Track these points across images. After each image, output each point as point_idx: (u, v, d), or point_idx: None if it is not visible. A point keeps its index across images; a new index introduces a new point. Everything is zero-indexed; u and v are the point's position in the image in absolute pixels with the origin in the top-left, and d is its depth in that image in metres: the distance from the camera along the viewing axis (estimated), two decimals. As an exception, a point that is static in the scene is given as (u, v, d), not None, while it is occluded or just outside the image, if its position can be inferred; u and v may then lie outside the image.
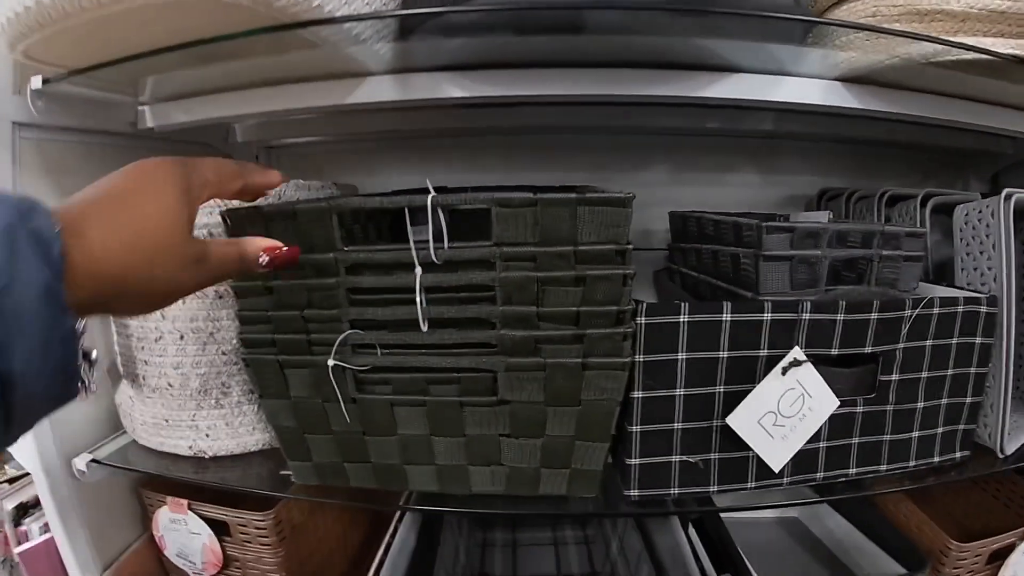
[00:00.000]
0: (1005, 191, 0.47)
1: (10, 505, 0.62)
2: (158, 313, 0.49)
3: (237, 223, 0.39)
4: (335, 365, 0.39)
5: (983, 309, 0.45)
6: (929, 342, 0.44)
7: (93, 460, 0.54)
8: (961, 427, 0.47)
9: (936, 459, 0.47)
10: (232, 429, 0.51)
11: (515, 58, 0.44)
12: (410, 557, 0.55)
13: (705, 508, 0.44)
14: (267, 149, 0.78)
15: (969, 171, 0.81)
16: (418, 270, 0.36)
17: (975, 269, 0.49)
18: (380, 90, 0.43)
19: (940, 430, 0.46)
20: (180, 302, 0.48)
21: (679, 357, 0.40)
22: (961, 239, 0.50)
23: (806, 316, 0.40)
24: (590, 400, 0.39)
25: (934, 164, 0.80)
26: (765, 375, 0.41)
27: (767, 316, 0.40)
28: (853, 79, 0.50)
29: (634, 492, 0.42)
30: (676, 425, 0.41)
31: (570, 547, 0.66)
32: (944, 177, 0.83)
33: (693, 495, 0.42)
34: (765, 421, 0.41)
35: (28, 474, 0.65)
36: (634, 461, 0.41)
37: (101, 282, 0.23)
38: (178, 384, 0.50)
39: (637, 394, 0.40)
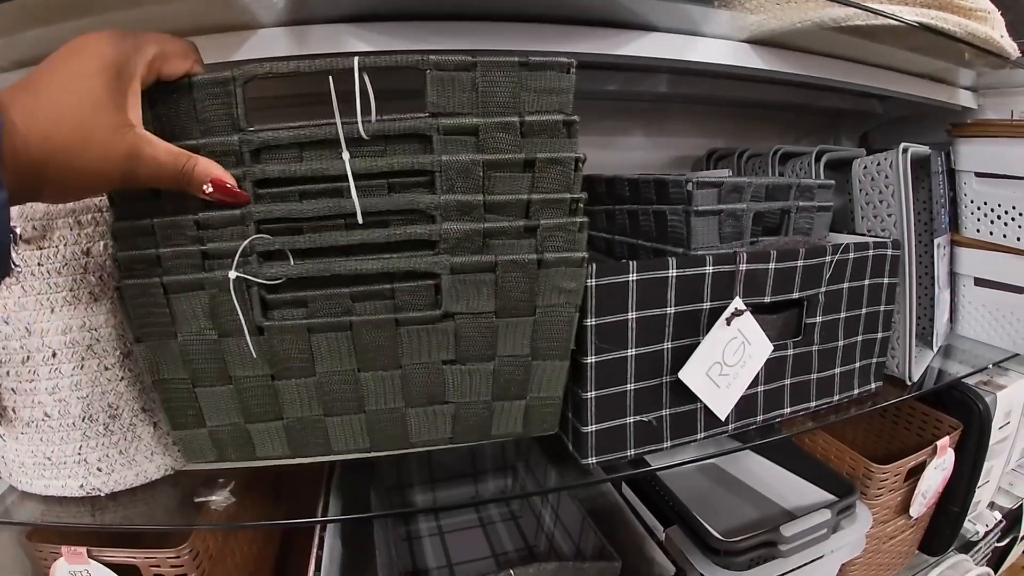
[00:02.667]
0: (902, 145, 0.51)
1: None
2: (21, 327, 0.39)
3: None
4: (237, 278, 0.31)
5: (889, 252, 0.48)
6: (846, 285, 0.46)
7: None
8: (874, 360, 0.50)
9: (856, 391, 0.49)
10: (127, 457, 0.42)
11: (422, 10, 0.40)
12: (341, 570, 0.49)
13: (663, 467, 0.43)
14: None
15: (840, 130, 0.87)
16: (345, 152, 0.30)
17: (875, 217, 0.52)
18: (272, 44, 0.36)
19: (858, 365, 0.49)
20: (48, 310, 0.39)
21: (629, 316, 0.38)
22: (860, 190, 0.53)
23: (743, 267, 0.40)
24: (547, 306, 0.35)
25: (807, 124, 0.86)
26: (709, 327, 0.40)
27: (709, 269, 0.39)
28: (760, 41, 0.51)
29: (592, 459, 0.40)
30: (629, 386, 0.39)
31: (498, 525, 0.63)
32: (817, 136, 0.89)
33: (647, 453, 0.41)
34: (712, 372, 0.40)
35: None
36: (590, 428, 0.39)
37: (25, 160, 0.22)
38: (56, 413, 0.40)
39: (590, 359, 0.38)
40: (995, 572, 0.81)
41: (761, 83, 0.66)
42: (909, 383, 0.53)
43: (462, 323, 0.34)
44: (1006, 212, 0.60)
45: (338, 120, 0.30)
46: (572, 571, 0.44)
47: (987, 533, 0.72)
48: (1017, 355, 0.62)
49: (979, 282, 0.63)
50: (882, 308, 0.49)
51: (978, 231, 0.62)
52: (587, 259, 0.34)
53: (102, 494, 0.43)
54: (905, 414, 0.63)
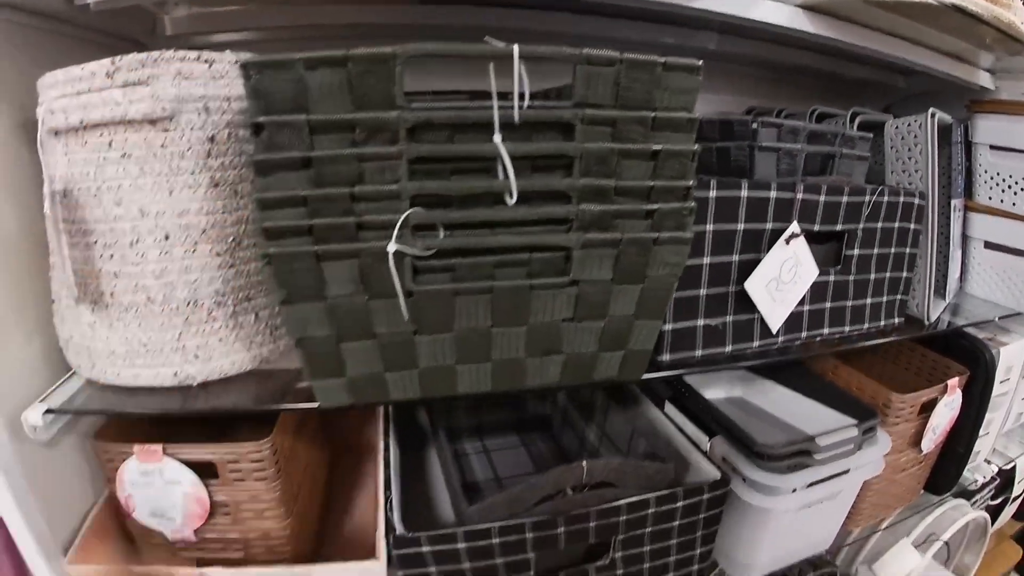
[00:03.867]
0: (931, 110, 0.65)
1: None
2: (135, 209, 0.47)
3: (262, 78, 0.36)
4: (396, 251, 0.40)
5: (916, 201, 0.62)
6: (879, 224, 0.60)
7: (49, 410, 0.50)
8: (899, 297, 0.64)
9: (882, 323, 0.64)
10: (226, 346, 0.51)
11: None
12: (403, 479, 0.59)
13: (735, 365, 0.55)
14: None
15: (864, 101, 1.02)
16: (497, 135, 0.39)
17: (903, 172, 0.67)
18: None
19: (885, 299, 0.63)
20: (167, 192, 0.47)
21: (707, 228, 0.50)
22: (891, 148, 0.68)
23: (800, 196, 0.53)
24: (655, 276, 0.45)
25: (834, 92, 1.01)
26: (770, 246, 0.52)
27: (773, 194, 0.52)
28: (811, 8, 0.64)
29: (666, 356, 0.52)
30: (701, 292, 0.51)
31: (540, 446, 0.74)
32: (842, 104, 1.04)
33: (711, 355, 0.53)
34: (770, 286, 0.53)
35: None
36: (668, 327, 0.51)
37: None
38: (161, 297, 0.48)
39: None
40: (991, 525, 0.98)
41: (800, 48, 0.79)
42: (927, 323, 0.67)
43: (584, 289, 0.45)
44: (1016, 183, 0.76)
45: (495, 104, 0.38)
46: (634, 467, 0.56)
47: (984, 485, 0.89)
48: (1020, 313, 0.78)
49: (988, 245, 0.79)
50: (907, 250, 0.63)
51: (990, 199, 0.79)
52: (689, 238, 0.45)
53: (195, 383, 0.51)
54: (917, 360, 0.79)
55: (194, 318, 0.49)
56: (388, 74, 0.37)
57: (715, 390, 0.76)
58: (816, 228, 0.55)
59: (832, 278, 0.58)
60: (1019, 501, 1.13)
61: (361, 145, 0.39)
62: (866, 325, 0.62)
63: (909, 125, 0.66)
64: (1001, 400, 0.81)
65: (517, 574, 0.55)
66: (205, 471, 0.55)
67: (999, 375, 0.78)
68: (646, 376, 0.51)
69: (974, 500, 0.92)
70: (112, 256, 0.48)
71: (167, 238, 0.47)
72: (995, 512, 1.04)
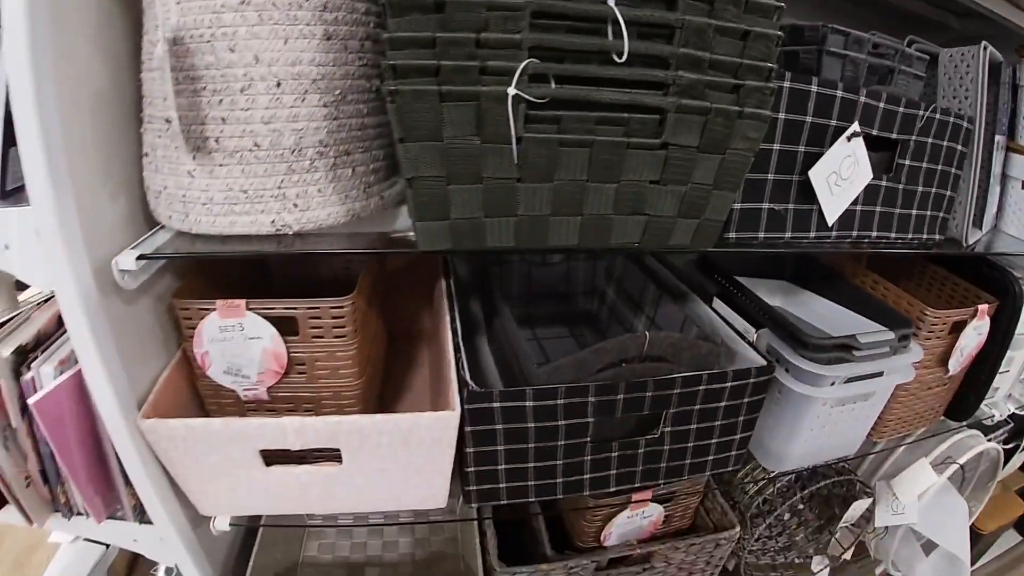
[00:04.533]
0: (983, 42, 0.74)
1: (6, 351, 0.58)
2: (249, 55, 0.53)
3: None
4: (514, 96, 0.48)
5: (965, 124, 0.71)
6: (930, 140, 0.69)
7: (141, 256, 0.56)
8: (942, 214, 0.74)
9: (924, 236, 0.73)
10: (324, 196, 0.57)
11: None
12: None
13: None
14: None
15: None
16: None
17: (954, 98, 0.76)
18: None
19: (929, 213, 0.72)
20: (282, 40, 0.54)
21: (779, 116, 0.58)
22: (944, 74, 0.77)
23: (862, 99, 0.61)
24: (735, 149, 0.54)
25: (889, 25, 1.08)
26: (833, 142, 0.61)
27: (839, 93, 0.60)
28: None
29: (733, 234, 0.60)
30: (769, 176, 0.60)
31: (588, 338, 0.84)
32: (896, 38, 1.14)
33: (772, 239, 0.62)
34: (830, 179, 0.62)
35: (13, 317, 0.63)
36: (736, 206, 0.59)
37: None
38: (267, 143, 0.55)
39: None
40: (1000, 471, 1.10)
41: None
42: (964, 245, 0.76)
43: (673, 152, 0.53)
44: (1054, 126, 0.85)
45: None
46: (689, 344, 0.65)
47: (999, 424, 0.99)
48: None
49: (1025, 186, 0.89)
50: (953, 170, 0.72)
51: (1030, 140, 0.88)
52: (769, 116, 0.53)
53: (291, 231, 0.58)
54: (949, 287, 0.89)
55: (297, 166, 0.56)
56: None
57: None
58: (875, 132, 0.64)
59: (884, 183, 0.67)
60: None
61: None
62: (910, 235, 0.71)
63: (963, 55, 0.75)
64: (1021, 339, 0.91)
65: (575, 438, 0.64)
66: (285, 328, 0.63)
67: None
68: (715, 249, 0.59)
69: (989, 438, 1.03)
70: (221, 102, 0.54)
71: (278, 85, 0.54)
72: (1007, 456, 1.16)
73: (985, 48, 0.73)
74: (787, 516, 1.01)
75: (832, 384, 0.70)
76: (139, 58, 0.57)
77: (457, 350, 0.65)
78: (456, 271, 0.83)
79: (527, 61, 0.48)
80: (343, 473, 0.62)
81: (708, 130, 0.52)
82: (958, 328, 0.80)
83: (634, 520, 0.76)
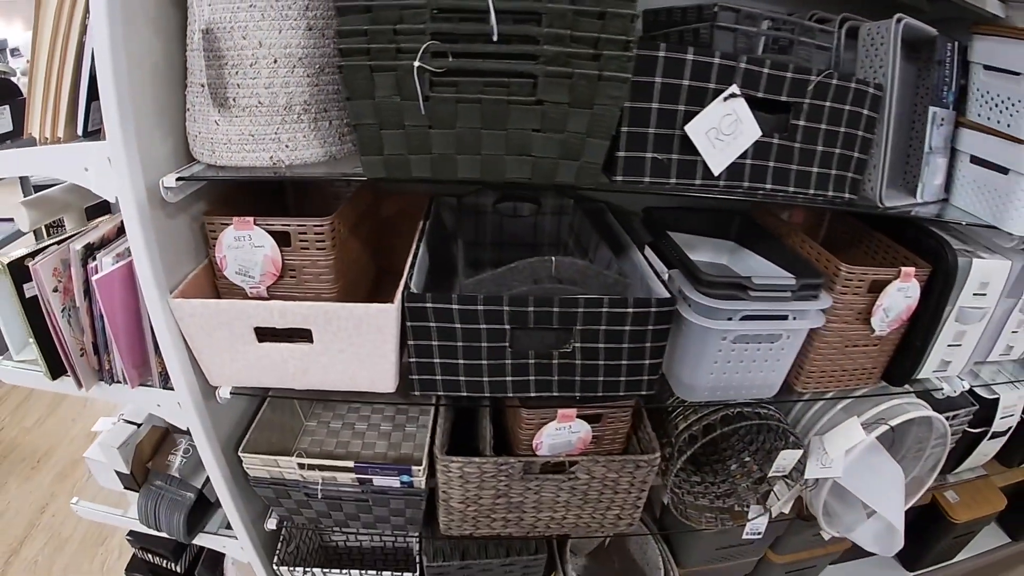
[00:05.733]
0: (897, 15, 0.87)
1: (78, 246, 0.91)
2: (255, 41, 0.81)
3: None
4: (419, 67, 0.73)
5: (871, 91, 0.85)
6: (827, 104, 0.83)
7: (180, 177, 0.85)
8: (850, 175, 0.87)
9: (830, 193, 0.87)
10: (308, 141, 0.84)
11: None
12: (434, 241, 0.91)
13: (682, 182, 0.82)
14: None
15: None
16: None
17: (870, 68, 0.89)
18: None
19: (834, 172, 0.86)
20: (277, 31, 0.81)
21: (656, 80, 0.77)
22: (862, 47, 0.90)
23: (742, 65, 0.78)
24: (601, 104, 0.73)
25: (863, 10, 1.19)
26: (712, 102, 0.78)
27: (716, 60, 0.77)
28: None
29: (619, 177, 0.79)
30: (650, 130, 0.78)
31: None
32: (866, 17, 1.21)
33: (657, 183, 0.80)
34: (710, 134, 0.79)
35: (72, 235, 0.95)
36: (622, 153, 0.78)
37: None
38: (267, 102, 0.82)
39: (627, 104, 0.77)
40: (967, 455, 1.15)
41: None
42: (880, 206, 0.89)
43: (547, 108, 0.73)
44: (1003, 102, 0.95)
45: None
46: (595, 273, 0.84)
47: (962, 404, 1.06)
48: (994, 227, 0.96)
49: (974, 160, 0.98)
50: (860, 133, 0.86)
51: (979, 115, 0.98)
52: (627, 79, 0.72)
53: (284, 165, 0.85)
54: (892, 253, 0.99)
55: (288, 119, 0.83)
56: None
57: (703, 255, 1.02)
58: (760, 94, 0.80)
59: (776, 141, 0.82)
60: (1003, 438, 1.27)
61: None
62: (811, 191, 0.85)
63: (879, 28, 0.88)
64: (974, 313, 0.99)
65: (496, 342, 0.85)
66: (281, 240, 0.90)
67: (972, 286, 0.97)
68: (604, 190, 0.79)
69: (947, 415, 1.10)
70: (236, 72, 0.82)
71: (275, 62, 0.81)
72: (974, 440, 1.21)
73: (899, 21, 0.86)
74: (733, 466, 1.13)
75: (729, 319, 0.85)
76: (184, 40, 0.87)
77: (411, 267, 0.90)
78: (438, 218, 1.07)
79: (428, 43, 0.72)
80: (313, 352, 0.87)
81: (574, 90, 0.72)
82: (879, 287, 0.91)
83: (562, 434, 0.94)
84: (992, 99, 0.97)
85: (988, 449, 1.32)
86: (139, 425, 1.11)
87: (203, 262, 0.95)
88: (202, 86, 0.84)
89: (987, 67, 0.97)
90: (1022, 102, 0.93)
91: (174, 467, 1.09)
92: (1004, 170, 0.96)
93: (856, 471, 1.00)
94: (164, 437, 1.13)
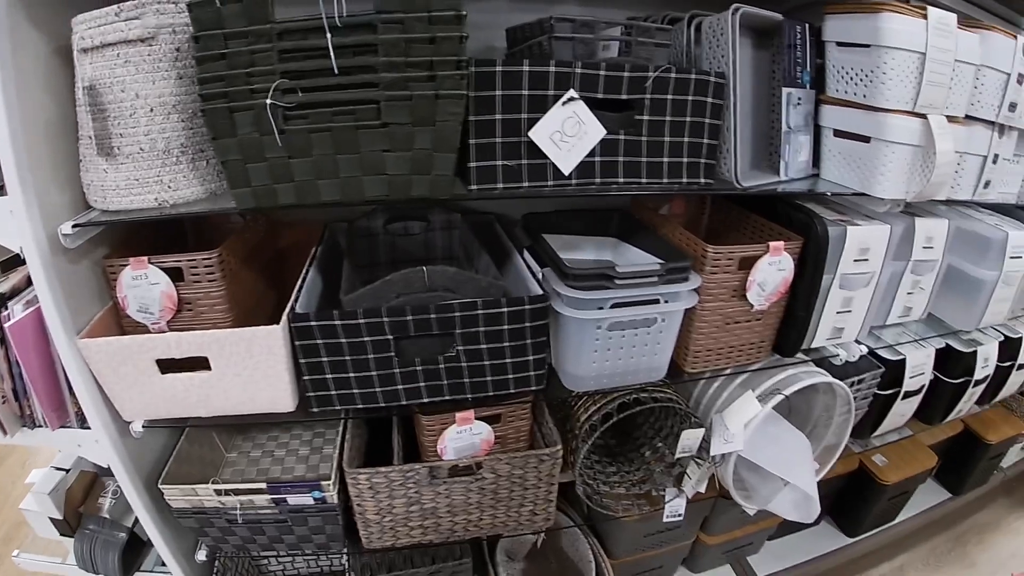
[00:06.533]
0: (734, 5, 0.98)
1: None
2: (132, 93, 0.92)
3: (196, 10, 0.83)
4: (271, 104, 0.84)
5: (712, 79, 0.95)
6: (670, 96, 0.93)
7: (75, 224, 0.96)
8: (703, 160, 0.97)
9: (685, 180, 0.96)
10: (188, 180, 0.94)
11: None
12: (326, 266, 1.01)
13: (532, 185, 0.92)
14: None
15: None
16: (328, 34, 0.81)
17: (715, 58, 1.00)
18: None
19: (686, 160, 0.96)
20: (151, 83, 0.93)
21: (497, 93, 0.87)
22: (706, 39, 1.01)
23: (578, 70, 0.89)
24: (442, 121, 0.84)
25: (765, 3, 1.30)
26: (552, 107, 0.89)
27: (552, 68, 0.88)
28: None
29: (474, 186, 0.89)
30: (497, 139, 0.88)
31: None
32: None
33: (511, 189, 0.90)
34: (555, 137, 0.89)
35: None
36: (473, 164, 0.88)
37: None
38: (148, 148, 0.93)
39: (472, 118, 0.87)
40: (883, 418, 1.24)
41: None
42: (739, 187, 0.99)
43: (393, 128, 0.83)
44: (857, 74, 1.05)
45: (323, 16, 0.78)
46: (468, 278, 0.93)
47: (867, 367, 1.15)
48: (866, 195, 1.06)
49: (837, 133, 1.08)
50: (707, 121, 0.95)
51: (837, 91, 1.08)
52: (464, 95, 0.83)
53: (168, 205, 0.95)
54: (759, 228, 1.09)
55: (168, 161, 0.94)
56: (263, 4, 0.80)
57: (587, 253, 1.11)
58: (600, 95, 0.91)
59: (623, 137, 0.92)
60: (918, 397, 1.35)
61: (252, 44, 0.82)
62: (666, 180, 0.94)
63: (719, 20, 0.99)
64: (858, 279, 1.08)
65: (382, 352, 0.95)
66: (176, 276, 1.00)
67: (852, 253, 1.06)
68: (462, 200, 0.89)
69: (850, 381, 1.18)
70: (119, 123, 0.93)
71: (152, 110, 0.92)
72: (887, 402, 1.29)
73: (735, 11, 0.97)
74: (647, 453, 1.21)
75: (600, 308, 0.94)
76: (74, 97, 0.99)
77: (299, 290, 1.00)
78: (331, 244, 1.18)
79: (277, 81, 0.83)
80: (212, 378, 0.97)
81: (415, 110, 0.82)
82: (751, 263, 1.00)
83: (464, 436, 1.03)
84: (847, 73, 1.07)
85: (904, 409, 1.39)
86: (68, 471, 1.21)
87: (108, 303, 1.05)
88: (90, 138, 0.95)
89: (840, 44, 1.07)
90: (874, 72, 1.03)
91: (105, 508, 1.18)
92: (866, 139, 1.06)
93: (759, 443, 1.08)
94: (93, 480, 1.23)
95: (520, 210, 1.27)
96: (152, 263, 0.99)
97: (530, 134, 0.88)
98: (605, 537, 1.43)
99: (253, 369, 0.96)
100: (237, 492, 1.05)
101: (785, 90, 1.05)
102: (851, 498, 1.76)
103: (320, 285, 1.06)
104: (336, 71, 0.81)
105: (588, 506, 1.17)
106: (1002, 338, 1.45)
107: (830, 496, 1.76)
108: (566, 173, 0.91)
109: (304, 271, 1.05)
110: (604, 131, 0.91)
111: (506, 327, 0.94)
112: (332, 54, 0.80)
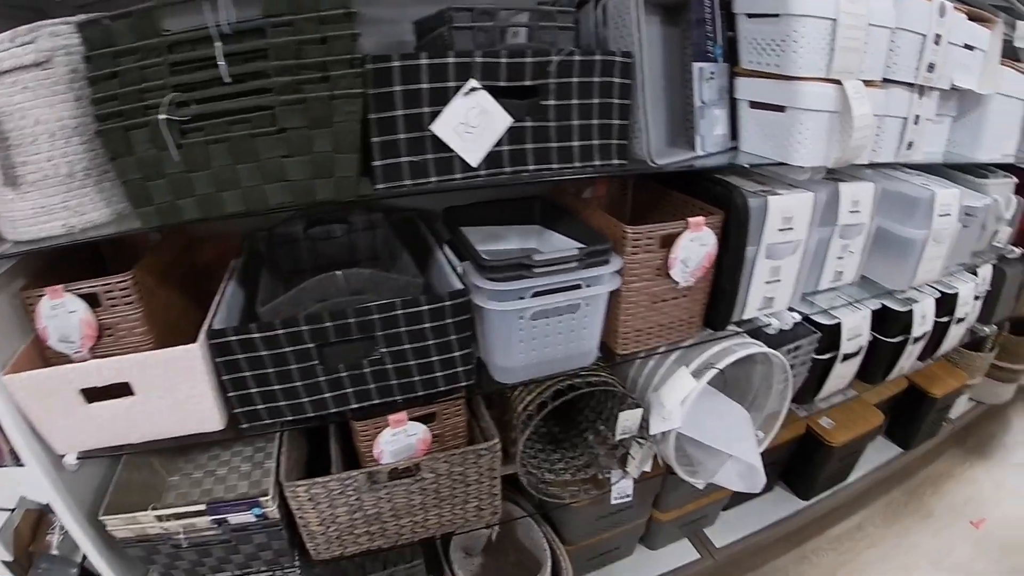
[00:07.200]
0: (636, -15, 0.96)
1: None
2: (32, 120, 0.89)
3: (87, 30, 0.79)
4: (165, 119, 0.82)
5: (618, 59, 0.93)
6: (576, 79, 0.92)
7: None
8: (615, 142, 0.95)
9: (598, 162, 0.95)
10: (94, 203, 0.91)
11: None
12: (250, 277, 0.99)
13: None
14: None
15: None
16: (217, 42, 0.79)
17: (621, 38, 0.98)
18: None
19: (596, 142, 0.94)
20: (49, 107, 0.90)
21: (396, 89, 0.85)
22: (611, 20, 0.99)
23: (479, 59, 0.87)
24: (340, 122, 0.82)
25: None
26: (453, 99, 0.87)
27: (451, 60, 0.86)
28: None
29: (380, 185, 0.87)
30: (400, 136, 0.86)
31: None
32: None
33: (420, 184, 0.88)
34: (459, 129, 0.87)
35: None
36: (378, 162, 0.86)
37: None
38: (52, 173, 0.89)
39: (373, 116, 0.85)
40: (824, 381, 1.24)
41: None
42: (653, 165, 0.98)
43: (290, 133, 0.80)
44: (768, 44, 1.04)
45: (211, 25, 0.76)
46: (384, 279, 0.91)
47: (802, 334, 1.14)
48: (786, 164, 1.05)
49: (753, 104, 1.07)
50: (616, 101, 0.94)
51: (750, 62, 1.06)
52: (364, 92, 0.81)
53: (77, 230, 0.93)
54: (682, 205, 1.08)
55: (72, 186, 0.90)
56: (151, 18, 0.77)
57: (512, 242, 1.10)
58: (503, 83, 0.89)
59: (530, 124, 0.90)
60: (857, 359, 1.36)
61: (142, 60, 0.79)
62: (578, 163, 0.93)
63: (624, 0, 0.98)
64: (784, 247, 1.07)
65: (304, 362, 0.92)
66: (93, 302, 0.97)
67: (775, 223, 1.06)
68: (368, 198, 0.87)
69: (787, 348, 1.17)
70: (21, 151, 0.90)
71: (52, 135, 0.89)
72: (826, 366, 1.29)
73: (640, -10, 0.96)
74: (590, 437, 1.20)
75: (521, 298, 0.92)
76: (-26, 129, 0.95)
77: (217, 305, 0.97)
78: (253, 254, 1.15)
79: (170, 95, 0.80)
80: (137, 403, 0.94)
81: (310, 113, 0.80)
82: (672, 241, 0.99)
83: (400, 439, 1.01)
84: (759, 44, 1.05)
85: (844, 372, 1.40)
86: (13, 510, 1.17)
87: (31, 336, 1.02)
88: (-3, 167, 0.93)
89: (749, 15, 1.06)
90: (785, 41, 1.01)
91: (54, 545, 1.14)
92: (781, 108, 1.05)
93: (699, 419, 1.08)
94: (40, 518, 1.19)
95: (446, 204, 1.24)
96: (68, 291, 0.96)
97: (432, 128, 0.86)
98: (559, 524, 1.43)
99: (176, 390, 0.93)
100: (178, 516, 1.02)
101: (696, 65, 1.04)
102: (802, 462, 1.77)
103: (242, 298, 1.03)
104: (228, 79, 0.79)
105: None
106: (938, 295, 1.46)
107: (781, 462, 1.79)
108: (474, 165, 0.89)
109: (223, 285, 1.03)
110: (510, 119, 0.89)
111: (428, 325, 0.93)
112: (222, 62, 0.78)
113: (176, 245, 1.17)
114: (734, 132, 1.12)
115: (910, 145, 1.25)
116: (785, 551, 1.85)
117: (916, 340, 1.45)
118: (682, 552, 1.67)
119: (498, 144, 0.89)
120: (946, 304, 1.48)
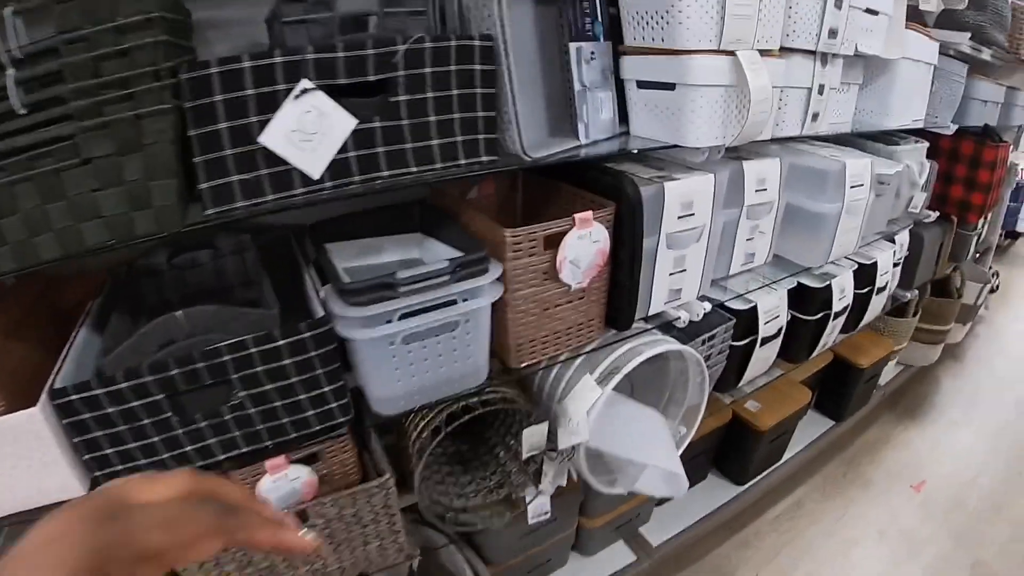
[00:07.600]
0: (495, -37, 0.85)
1: None
2: None
3: None
4: None
5: (477, 43, 0.82)
6: (428, 69, 0.80)
7: None
8: (481, 136, 0.85)
9: (464, 161, 0.84)
10: None
11: None
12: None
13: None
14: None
15: None
16: (10, 70, 0.65)
17: (482, 20, 0.87)
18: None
19: (460, 139, 0.83)
20: None
21: (216, 99, 0.72)
22: (473, 3, 0.88)
23: (310, 56, 0.75)
24: (151, 144, 0.69)
25: None
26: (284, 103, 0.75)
27: (277, 59, 0.74)
28: None
29: (210, 210, 0.75)
30: (227, 152, 0.74)
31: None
32: None
33: (254, 205, 0.76)
34: (293, 138, 0.75)
35: None
36: (204, 185, 0.74)
37: None
38: None
39: (193, 133, 0.73)
40: (744, 368, 1.17)
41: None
42: (528, 159, 0.87)
43: (97, 163, 0.68)
44: (652, 17, 0.94)
45: (3, 52, 0.63)
46: (233, 314, 0.80)
47: (718, 322, 1.06)
48: (679, 146, 0.96)
49: (641, 84, 0.98)
50: (478, 91, 0.83)
51: (635, 38, 0.97)
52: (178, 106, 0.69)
53: None
54: (579, 203, 0.98)
55: None
56: None
57: (393, 254, 1.00)
58: (343, 81, 0.77)
59: (379, 124, 0.79)
60: (777, 340, 1.30)
61: None
62: (440, 164, 0.82)
63: (486, -20, 0.86)
64: (687, 235, 0.99)
65: (157, 415, 0.80)
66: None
67: (674, 210, 0.97)
68: (195, 225, 0.75)
69: (701, 339, 1.10)
70: None
71: None
72: (745, 352, 1.22)
73: (499, -29, 0.85)
74: (501, 453, 1.11)
75: (388, 322, 0.82)
76: None
77: (63, 359, 0.84)
78: (113, 293, 1.02)
79: None
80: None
81: (116, 137, 0.68)
82: (559, 241, 0.89)
83: (282, 485, 0.90)
84: (642, 18, 0.96)
85: (765, 355, 1.35)
86: None
87: None
88: None
89: (631, -13, 0.96)
90: (669, 12, 0.92)
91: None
92: (671, 86, 0.96)
93: (609, 428, 1.00)
94: None
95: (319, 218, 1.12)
96: None
97: (261, 140, 0.74)
98: (481, 547, 1.35)
99: (27, 458, 0.80)
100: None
101: (573, 45, 0.94)
102: (732, 448, 1.73)
103: (100, 344, 0.89)
104: (22, 110, 0.66)
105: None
106: (856, 266, 1.41)
107: (711, 449, 1.74)
108: (315, 177, 0.78)
109: (74, 333, 0.89)
110: (355, 121, 0.77)
111: (288, 361, 0.82)
112: (13, 92, 0.65)
113: (29, 292, 1.03)
114: (624, 116, 1.02)
115: (816, 116, 1.17)
116: (725, 538, 1.81)
117: (837, 315, 1.40)
118: (618, 555, 1.61)
119: (343, 150, 0.78)
120: (866, 275, 1.43)
